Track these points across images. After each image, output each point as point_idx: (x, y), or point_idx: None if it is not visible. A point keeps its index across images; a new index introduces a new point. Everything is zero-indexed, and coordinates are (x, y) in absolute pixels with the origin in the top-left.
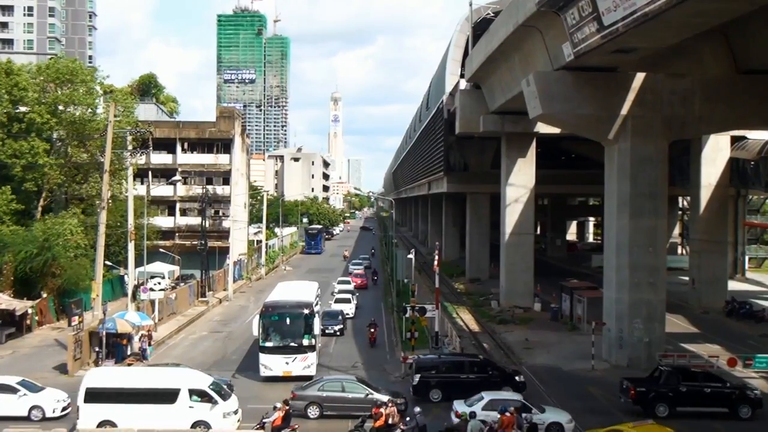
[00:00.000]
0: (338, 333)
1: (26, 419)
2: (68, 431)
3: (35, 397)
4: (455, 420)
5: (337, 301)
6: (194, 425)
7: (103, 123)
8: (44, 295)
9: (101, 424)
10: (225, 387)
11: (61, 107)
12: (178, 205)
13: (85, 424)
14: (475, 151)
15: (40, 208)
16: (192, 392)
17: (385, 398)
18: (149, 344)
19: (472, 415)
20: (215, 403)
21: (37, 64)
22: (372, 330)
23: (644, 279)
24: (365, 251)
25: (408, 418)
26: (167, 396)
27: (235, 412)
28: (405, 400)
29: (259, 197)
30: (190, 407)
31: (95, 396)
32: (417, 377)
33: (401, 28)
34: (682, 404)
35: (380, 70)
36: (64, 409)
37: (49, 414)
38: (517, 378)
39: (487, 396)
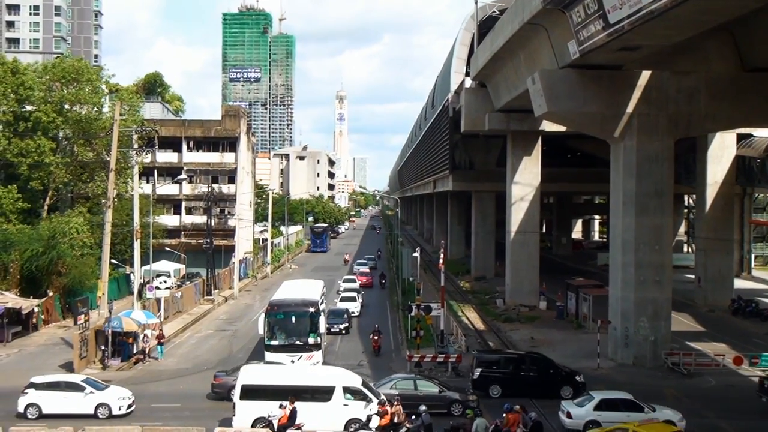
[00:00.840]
0: (343, 332)
1: (93, 417)
2: (140, 428)
3: (101, 394)
4: (565, 421)
5: (343, 299)
6: (348, 423)
7: (109, 122)
8: (50, 294)
9: (256, 421)
10: None
11: (67, 106)
12: (183, 204)
13: (240, 420)
14: (480, 150)
15: (46, 207)
16: (346, 390)
17: (456, 395)
18: (160, 343)
19: (478, 413)
20: (369, 401)
21: (43, 63)
22: (376, 338)
23: (650, 277)
24: (371, 251)
25: (414, 417)
26: (323, 394)
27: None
28: (477, 398)
29: (264, 196)
30: (344, 405)
31: (250, 393)
32: (477, 372)
33: (407, 25)
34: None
35: (386, 68)
36: (129, 406)
37: (115, 411)
38: (577, 378)
39: (597, 396)
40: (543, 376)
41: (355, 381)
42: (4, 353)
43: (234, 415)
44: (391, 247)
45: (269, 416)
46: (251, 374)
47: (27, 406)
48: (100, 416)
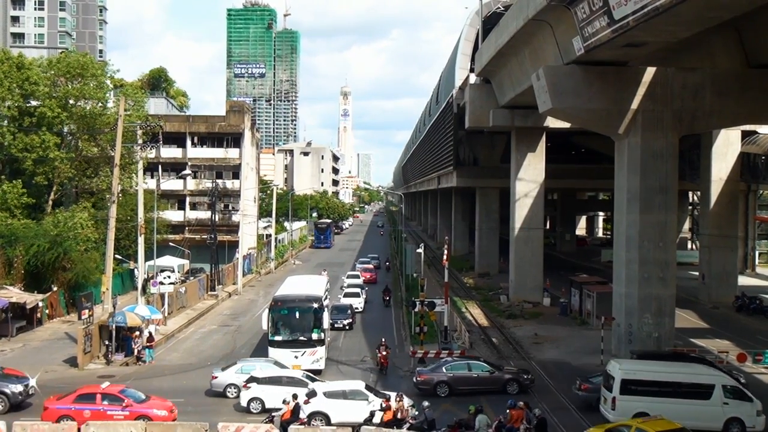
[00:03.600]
0: (347, 327)
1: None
2: (144, 424)
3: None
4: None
5: (347, 295)
6: (728, 422)
7: (114, 117)
8: (55, 289)
9: (636, 416)
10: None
11: (71, 101)
12: (187, 199)
13: (619, 414)
14: (484, 146)
15: (50, 202)
16: (725, 389)
17: (507, 376)
18: (149, 346)
19: (480, 409)
20: (750, 400)
21: (48, 59)
22: (384, 353)
23: (654, 274)
24: (373, 250)
25: (417, 412)
26: (702, 392)
27: None
28: (531, 376)
29: (268, 191)
30: (724, 404)
31: (630, 388)
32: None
33: (416, 20)
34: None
35: (393, 63)
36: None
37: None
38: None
39: None
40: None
41: (732, 380)
42: (9, 348)
43: (613, 410)
44: (395, 243)
45: (272, 413)
46: (631, 369)
47: (250, 401)
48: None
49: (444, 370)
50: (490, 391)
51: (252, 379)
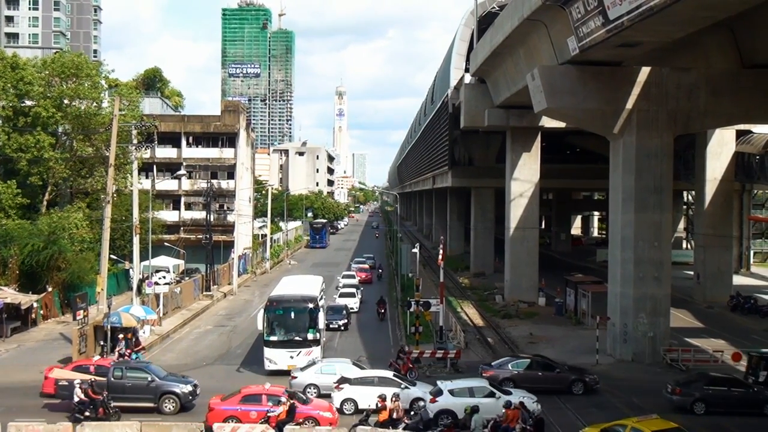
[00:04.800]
0: (342, 328)
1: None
2: (139, 424)
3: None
4: None
5: (342, 295)
6: None
7: (108, 117)
8: (49, 289)
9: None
10: (191, 386)
11: (66, 101)
12: (182, 199)
13: None
14: (479, 146)
15: (45, 202)
16: None
17: (573, 376)
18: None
19: (476, 409)
20: None
21: (43, 58)
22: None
23: (649, 273)
24: (368, 250)
25: (413, 413)
26: None
27: None
28: (595, 376)
29: (263, 191)
30: None
31: None
32: None
33: (412, 20)
34: None
35: (389, 63)
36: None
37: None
38: None
39: None
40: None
41: None
42: (3, 348)
43: None
44: (391, 243)
45: (267, 412)
46: None
47: (343, 402)
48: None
49: (510, 367)
50: (555, 390)
51: (344, 380)
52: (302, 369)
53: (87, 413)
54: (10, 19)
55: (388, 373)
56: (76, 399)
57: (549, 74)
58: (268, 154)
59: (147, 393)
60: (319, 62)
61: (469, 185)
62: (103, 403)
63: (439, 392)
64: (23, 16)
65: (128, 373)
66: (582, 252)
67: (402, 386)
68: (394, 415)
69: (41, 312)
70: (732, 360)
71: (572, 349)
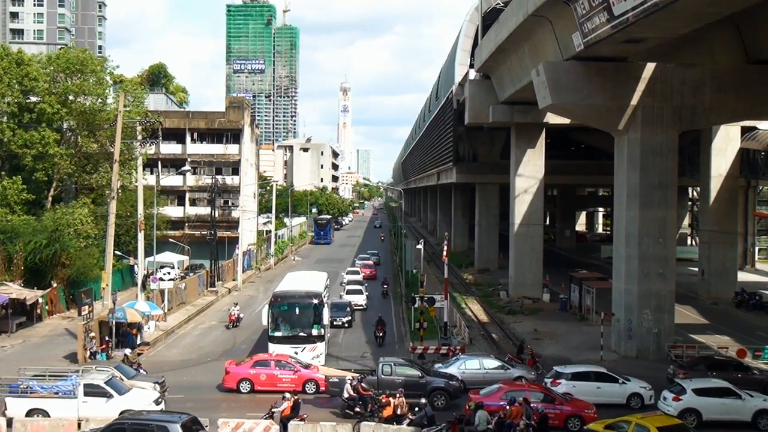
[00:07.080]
0: (346, 325)
1: (625, 406)
2: None
3: (632, 385)
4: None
5: (349, 292)
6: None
7: (113, 113)
8: (54, 285)
9: None
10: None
11: (71, 97)
12: (187, 195)
13: None
14: (484, 142)
15: (50, 198)
16: None
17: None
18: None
19: (480, 405)
20: None
21: (48, 54)
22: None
23: (653, 270)
24: (372, 247)
25: (417, 408)
26: None
27: None
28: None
29: (268, 187)
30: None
31: None
32: None
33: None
34: None
35: (396, 59)
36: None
37: (647, 401)
38: None
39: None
40: None
41: None
42: (8, 344)
43: None
44: (395, 240)
45: (272, 408)
46: None
47: None
48: (634, 406)
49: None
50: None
51: (558, 375)
52: (444, 364)
53: (357, 409)
54: (15, 15)
55: (602, 369)
56: (345, 395)
57: (554, 70)
58: (273, 150)
59: None
60: (324, 58)
61: (474, 181)
62: (372, 399)
63: (683, 391)
64: (28, 12)
65: None
66: (586, 248)
67: (620, 381)
68: (399, 411)
69: (46, 307)
70: (737, 356)
71: (576, 345)
